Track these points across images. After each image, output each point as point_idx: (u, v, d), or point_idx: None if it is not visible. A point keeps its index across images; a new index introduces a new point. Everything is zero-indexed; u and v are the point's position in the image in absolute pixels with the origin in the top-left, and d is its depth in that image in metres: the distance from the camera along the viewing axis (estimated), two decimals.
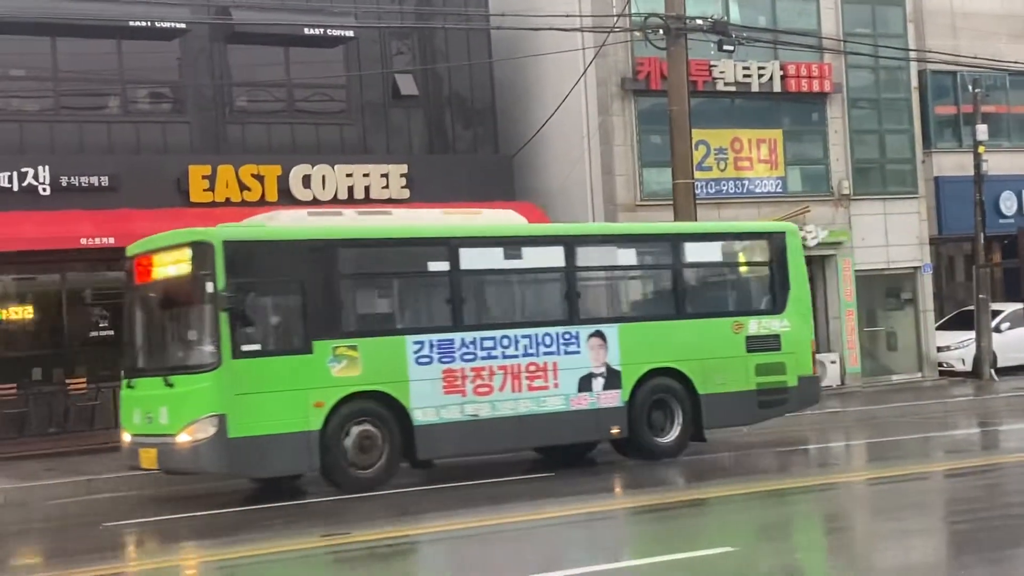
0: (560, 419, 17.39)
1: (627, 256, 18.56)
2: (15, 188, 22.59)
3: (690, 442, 18.63)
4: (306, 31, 24.90)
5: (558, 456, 18.58)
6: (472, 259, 17.08)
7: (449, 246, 16.94)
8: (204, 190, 23.81)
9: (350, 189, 24.92)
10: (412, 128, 26.80)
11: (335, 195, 24.64)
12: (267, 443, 15.41)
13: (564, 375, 17.45)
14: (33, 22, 22.64)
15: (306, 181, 24.54)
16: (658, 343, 18.31)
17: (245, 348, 15.38)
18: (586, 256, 18.01)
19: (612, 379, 17.78)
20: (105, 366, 22.06)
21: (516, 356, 17.15)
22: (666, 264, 18.87)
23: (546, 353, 17.35)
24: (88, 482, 17.70)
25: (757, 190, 28.21)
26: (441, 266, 16.96)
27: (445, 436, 16.61)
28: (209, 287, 15.30)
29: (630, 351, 17.95)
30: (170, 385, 15.70)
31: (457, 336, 16.77)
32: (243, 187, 24.11)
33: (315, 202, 24.08)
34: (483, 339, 16.95)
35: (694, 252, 18.90)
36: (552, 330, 17.45)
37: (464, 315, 16.98)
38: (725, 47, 23.19)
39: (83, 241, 21.84)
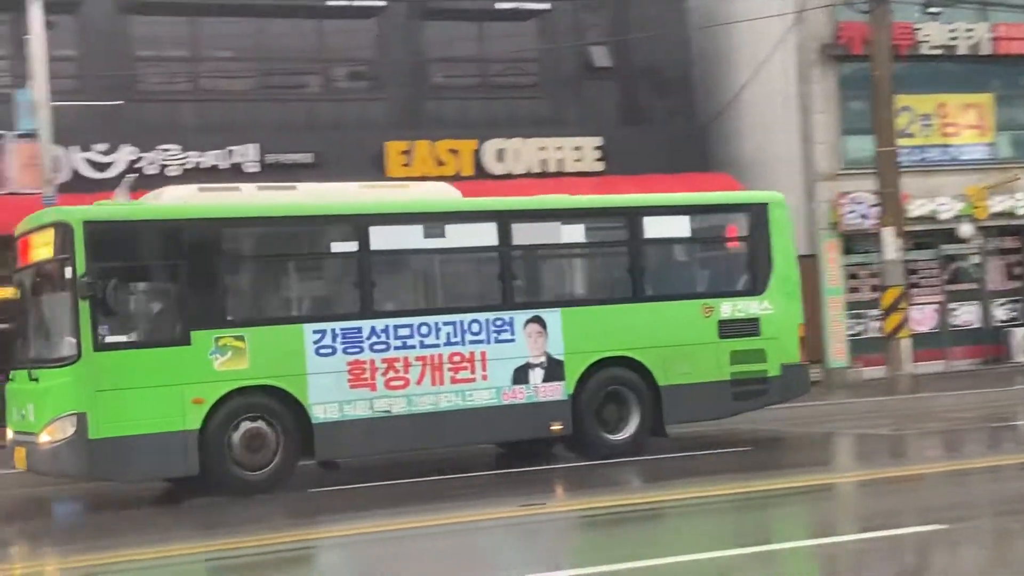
0: (490, 414, 15.60)
1: (573, 233, 16.57)
2: (224, 166, 23.38)
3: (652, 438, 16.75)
4: (500, 5, 25.80)
5: (523, 450, 16.81)
6: (384, 239, 15.35)
7: (355, 224, 15.23)
8: (402, 165, 24.36)
9: (543, 163, 25.34)
10: (605, 100, 26.91)
11: (528, 169, 25.12)
12: (135, 444, 13.90)
13: (495, 366, 15.64)
14: (239, 4, 24.15)
15: (500, 155, 25.06)
16: (610, 330, 16.38)
17: (109, 340, 13.89)
18: (523, 234, 16.08)
19: (553, 370, 15.93)
20: None
21: (436, 346, 15.40)
22: (620, 241, 16.84)
23: (473, 342, 15.57)
24: None
25: (964, 157, 27.44)
26: (347, 247, 15.26)
27: (351, 434, 14.94)
28: (68, 272, 13.86)
29: (576, 339, 16.07)
30: (35, 380, 14.36)
31: (366, 324, 15.08)
32: (439, 162, 24.69)
33: (508, 177, 24.74)
34: (397, 327, 15.24)
35: (654, 227, 16.82)
36: (481, 316, 15.66)
37: (375, 301, 15.28)
38: (931, 9, 23.20)
39: None
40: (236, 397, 14.39)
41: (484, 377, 15.59)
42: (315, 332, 14.80)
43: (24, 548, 12.83)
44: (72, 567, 11.31)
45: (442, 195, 16.34)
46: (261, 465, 14.53)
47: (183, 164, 23.31)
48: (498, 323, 15.71)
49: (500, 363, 15.67)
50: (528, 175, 24.81)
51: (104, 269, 13.84)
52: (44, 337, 14.63)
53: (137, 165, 22.71)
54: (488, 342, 15.63)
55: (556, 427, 16.04)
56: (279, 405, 14.61)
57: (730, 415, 17.51)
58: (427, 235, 15.59)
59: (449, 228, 15.72)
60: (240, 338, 14.44)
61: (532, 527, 12.10)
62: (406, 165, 24.38)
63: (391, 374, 15.12)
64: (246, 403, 14.45)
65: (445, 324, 15.44)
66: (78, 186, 21.41)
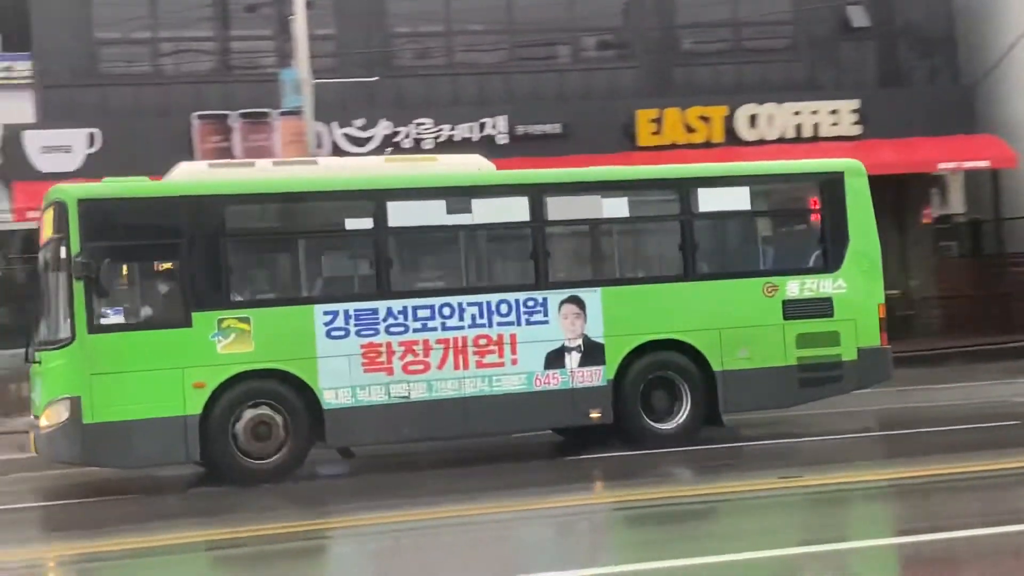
0: (520, 401, 14.65)
1: (616, 207, 15.35)
2: (475, 138, 23.97)
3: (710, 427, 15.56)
4: None
5: (585, 438, 15.76)
6: (403, 215, 14.53)
7: (373, 199, 14.45)
8: (651, 134, 24.54)
9: (798, 128, 25.25)
10: (863, 61, 26.51)
11: (782, 135, 24.89)
12: (131, 430, 13.43)
13: (526, 349, 14.67)
14: None
15: (752, 121, 24.92)
16: (658, 311, 15.21)
17: (105, 321, 13.46)
18: (560, 208, 15.04)
19: (592, 354, 14.87)
20: None
21: (461, 328, 14.53)
22: (669, 215, 15.61)
23: (502, 324, 14.64)
24: None
25: None
26: (362, 223, 14.50)
27: (365, 421, 14.20)
28: (63, 252, 13.48)
29: (618, 320, 14.98)
30: (37, 362, 14.07)
31: (382, 305, 14.31)
32: (689, 129, 24.72)
33: (761, 143, 24.64)
34: (416, 308, 14.43)
35: (710, 200, 15.52)
36: (510, 296, 14.71)
37: (392, 281, 14.48)
38: None
39: None
40: (241, 382, 13.81)
41: (514, 362, 14.65)
42: (326, 313, 14.11)
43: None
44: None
45: (472, 168, 15.39)
46: (269, 453, 13.95)
47: (436, 137, 24.00)
48: (530, 303, 14.74)
49: (532, 346, 14.69)
50: (782, 140, 24.71)
51: (100, 248, 13.40)
52: (48, 319, 14.30)
53: (393, 139, 23.67)
54: (518, 324, 14.67)
55: (595, 415, 14.98)
56: (288, 390, 13.98)
57: (797, 403, 16.04)
58: (451, 210, 14.70)
59: (476, 203, 14.79)
60: (245, 320, 13.85)
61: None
62: (656, 133, 24.47)
63: (410, 357, 14.32)
64: (252, 388, 13.86)
65: (470, 305, 14.56)
66: None
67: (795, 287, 15.61)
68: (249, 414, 13.84)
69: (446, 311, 14.48)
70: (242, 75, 24.59)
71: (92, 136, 22.96)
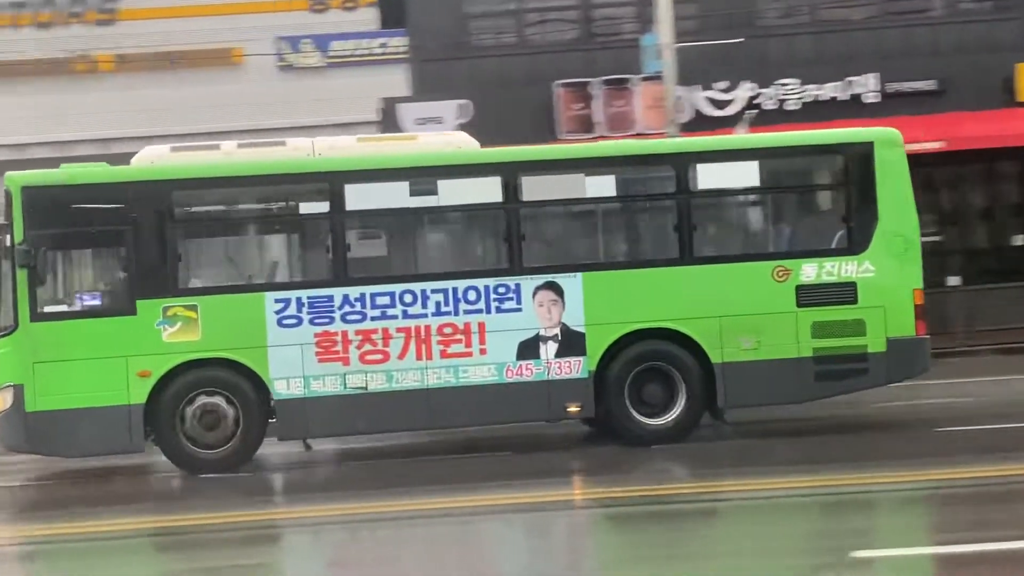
0: (488, 393, 13.80)
1: (601, 186, 14.20)
2: (842, 97, 23.42)
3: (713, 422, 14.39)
4: None
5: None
6: (362, 197, 13.84)
7: (327, 182, 13.81)
8: None
9: None
10: None
11: None
12: (75, 418, 13.34)
13: (496, 339, 13.80)
14: None
15: None
16: (647, 297, 14.04)
17: (47, 309, 13.39)
18: (536, 188, 14.03)
19: (571, 343, 13.86)
20: None
21: (423, 316, 13.76)
22: (662, 194, 14.37)
23: (469, 312, 13.80)
24: None
25: None
26: (317, 207, 13.91)
27: (319, 412, 13.67)
28: (7, 240, 13.44)
29: (601, 307, 13.91)
30: None
31: (338, 292, 13.70)
32: None
33: None
34: (375, 295, 13.75)
35: (712, 177, 14.20)
36: (479, 283, 13.84)
37: (349, 267, 13.83)
38: None
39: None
40: (189, 371, 13.51)
41: (482, 352, 13.80)
42: (277, 301, 13.61)
43: None
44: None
45: (451, 147, 14.49)
46: (219, 443, 13.61)
47: (801, 98, 23.49)
48: (500, 289, 13.84)
49: (503, 335, 13.80)
50: None
51: (43, 236, 13.31)
52: (2, 306, 14.31)
53: (756, 101, 23.06)
54: (488, 311, 13.81)
55: (573, 409, 13.99)
56: (239, 380, 13.59)
57: (813, 398, 14.54)
58: (414, 192, 13.91)
59: (442, 184, 13.95)
60: (192, 307, 13.51)
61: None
62: None
63: (368, 347, 13.68)
64: (200, 377, 13.54)
65: (434, 292, 13.78)
66: (700, 124, 21.75)
67: (812, 271, 14.12)
68: (198, 403, 13.53)
69: (407, 298, 13.75)
70: (604, 42, 24.76)
71: (462, 107, 23.32)
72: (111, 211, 13.62)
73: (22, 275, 13.28)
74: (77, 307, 13.68)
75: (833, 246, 14.38)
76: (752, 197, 14.78)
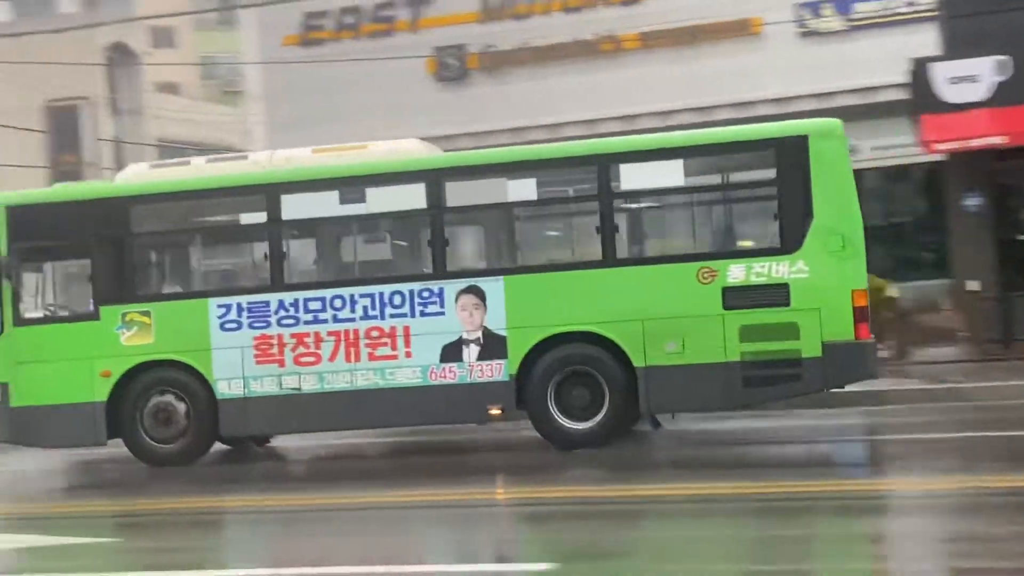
0: (415, 395, 14.26)
1: (521, 189, 14.24)
2: None
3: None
4: None
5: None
6: (296, 207, 14.59)
7: (263, 194, 14.62)
8: None
9: None
10: None
11: None
12: (49, 413, 14.90)
13: (420, 342, 14.23)
14: None
15: None
16: (568, 300, 14.02)
17: (28, 315, 15.03)
18: (458, 194, 14.29)
19: (492, 347, 14.09)
20: None
21: (352, 320, 14.37)
22: (584, 196, 14.24)
23: (394, 315, 14.30)
24: None
25: None
26: (255, 217, 14.77)
27: (257, 411, 14.58)
28: None
29: (522, 311, 14.05)
30: None
31: (273, 298, 14.53)
32: None
33: None
34: (307, 300, 14.47)
35: (636, 177, 13.99)
36: (403, 287, 14.30)
37: (284, 273, 14.60)
38: None
39: None
40: (146, 371, 14.76)
41: (408, 354, 14.27)
42: (219, 307, 14.62)
43: None
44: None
45: (399, 154, 14.93)
46: (174, 437, 14.80)
47: None
48: (424, 294, 14.24)
49: (426, 339, 14.22)
50: None
51: (24, 249, 14.95)
52: None
53: None
54: (411, 315, 14.26)
55: (495, 411, 14.21)
56: (191, 380, 14.72)
57: (741, 405, 14.13)
58: (343, 200, 14.52)
59: (370, 192, 14.47)
60: (146, 313, 14.76)
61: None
62: None
63: (301, 350, 14.46)
64: (155, 377, 14.78)
65: (361, 296, 14.36)
66: None
67: (739, 272, 13.66)
68: (153, 401, 14.77)
69: (337, 303, 14.41)
70: None
71: (1001, 63, 21.45)
72: (79, 226, 15.04)
73: (7, 285, 14.95)
74: (51, 313, 15.25)
75: (760, 246, 13.87)
76: (678, 197, 14.42)
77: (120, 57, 42.84)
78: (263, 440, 16.26)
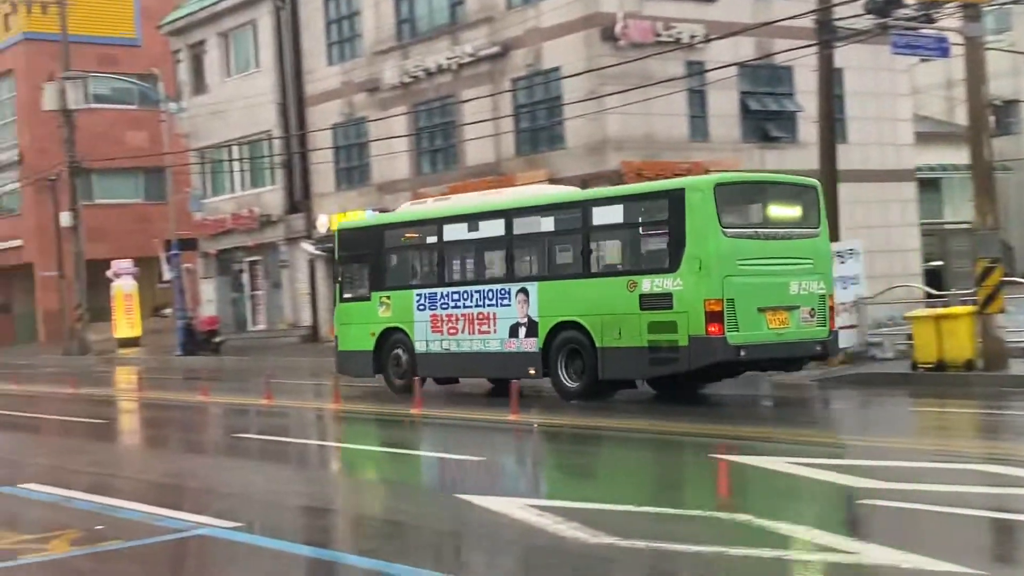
0: (497, 358, 21.88)
1: (548, 223, 21.15)
2: None
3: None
4: None
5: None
6: (450, 233, 22.77)
7: (436, 225, 23.01)
8: None
9: None
10: None
11: None
12: (353, 356, 24.65)
13: (500, 323, 21.79)
14: None
15: None
16: (567, 300, 20.71)
17: (345, 296, 24.93)
18: (519, 225, 21.48)
19: (532, 329, 21.27)
20: None
21: (471, 307, 22.29)
22: (576, 228, 20.63)
23: (489, 305, 21.97)
24: None
25: None
26: (431, 240, 23.18)
27: (432, 362, 23.08)
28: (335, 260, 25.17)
29: (545, 305, 21.05)
30: None
31: (438, 291, 22.91)
32: None
33: None
34: (452, 294, 22.66)
35: (599, 215, 20.27)
36: (493, 287, 21.90)
37: (445, 275, 22.90)
38: None
39: None
40: (391, 333, 23.88)
41: (495, 331, 21.88)
42: (416, 295, 23.29)
43: None
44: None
45: (524, 194, 22.61)
46: (401, 375, 23.76)
47: None
48: (502, 292, 21.74)
49: (503, 321, 21.74)
50: None
51: (344, 257, 24.90)
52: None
53: None
54: (496, 305, 21.83)
55: (532, 371, 21.32)
56: (405, 339, 23.58)
57: (647, 377, 19.89)
58: (470, 229, 22.43)
59: (482, 223, 22.21)
60: (388, 298, 23.87)
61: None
62: None
63: (449, 325, 22.68)
64: (394, 338, 23.83)
65: (475, 292, 22.21)
66: None
67: (648, 284, 19.53)
68: (394, 352, 23.95)
69: (465, 295, 22.42)
70: None
71: None
72: (365, 243, 24.52)
73: (338, 278, 24.99)
74: (354, 296, 24.83)
75: (658, 266, 19.49)
76: (619, 231, 20.32)
77: None
78: (449, 381, 24.39)
